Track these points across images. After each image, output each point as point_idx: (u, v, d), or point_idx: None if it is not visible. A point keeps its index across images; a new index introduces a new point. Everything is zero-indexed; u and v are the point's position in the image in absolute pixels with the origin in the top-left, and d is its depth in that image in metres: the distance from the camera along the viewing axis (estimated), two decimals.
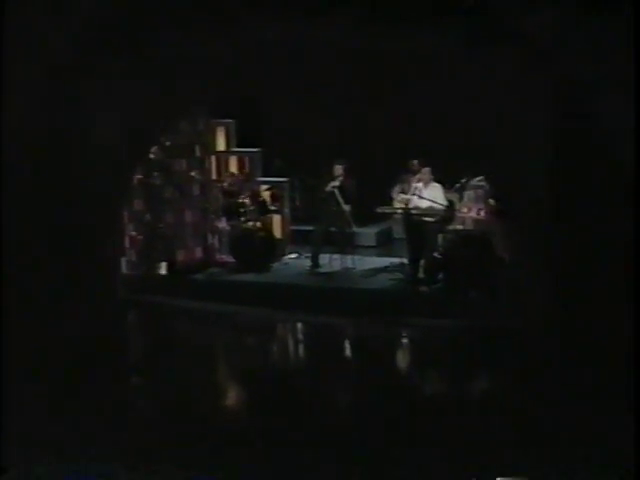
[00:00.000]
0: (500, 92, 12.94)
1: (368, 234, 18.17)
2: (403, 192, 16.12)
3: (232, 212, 17.46)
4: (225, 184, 17.83)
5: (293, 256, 17.72)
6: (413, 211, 15.87)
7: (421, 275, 15.89)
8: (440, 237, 15.89)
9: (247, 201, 17.48)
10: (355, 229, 17.21)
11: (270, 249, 17.28)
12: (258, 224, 17.36)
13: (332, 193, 16.45)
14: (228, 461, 10.53)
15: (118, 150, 14.68)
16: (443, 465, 10.24)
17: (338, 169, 16.48)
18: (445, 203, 15.78)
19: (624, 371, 11.15)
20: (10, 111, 12.40)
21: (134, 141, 15.30)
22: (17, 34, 12.01)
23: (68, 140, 13.56)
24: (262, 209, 17.62)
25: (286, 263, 17.50)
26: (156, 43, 13.04)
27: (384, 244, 18.11)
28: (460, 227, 15.76)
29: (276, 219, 18.00)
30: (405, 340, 14.92)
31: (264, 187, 18.05)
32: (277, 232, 17.91)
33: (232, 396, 13.83)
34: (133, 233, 16.69)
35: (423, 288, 15.76)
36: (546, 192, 12.99)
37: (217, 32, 12.99)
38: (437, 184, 15.78)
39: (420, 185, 15.76)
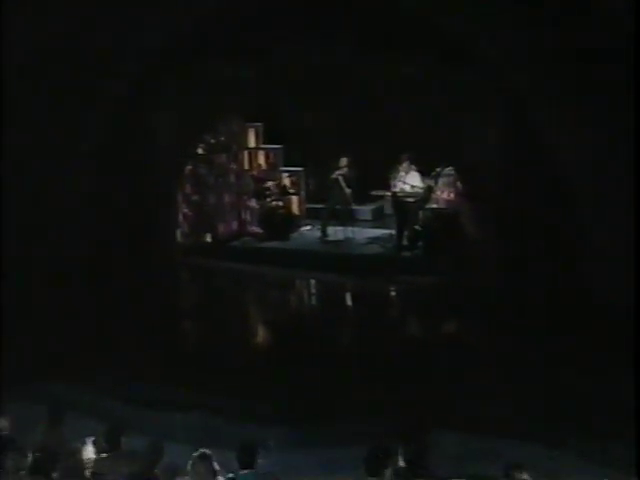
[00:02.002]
0: (464, 105, 13.17)
1: (365, 211, 17.64)
2: (393, 179, 16.05)
3: (260, 194, 17.28)
4: (255, 172, 17.64)
5: (307, 228, 17.43)
6: (399, 193, 15.74)
7: (405, 243, 15.72)
8: (420, 213, 15.70)
9: (272, 186, 17.32)
10: (355, 207, 17.02)
11: (289, 223, 17.13)
12: (280, 203, 17.19)
13: (337, 180, 16.25)
14: (258, 383, 11.00)
15: (174, 147, 15.01)
16: (421, 385, 10.69)
17: (342, 161, 16.25)
18: (422, 186, 15.63)
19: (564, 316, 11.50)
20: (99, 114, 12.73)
21: (186, 140, 15.63)
22: (101, 55, 12.33)
23: (139, 139, 13.89)
24: (283, 192, 17.44)
25: (302, 233, 17.27)
26: (205, 67, 13.33)
27: (377, 219, 17.61)
28: (435, 206, 15.65)
29: (294, 199, 17.71)
30: (392, 293, 14.90)
31: (285, 175, 17.78)
32: (295, 209, 17.67)
33: (260, 335, 14.19)
34: (185, 210, 16.59)
35: (406, 253, 15.66)
36: (500, 179, 13.22)
37: (249, 58, 13.27)
38: (416, 172, 15.62)
39: (403, 173, 15.68)
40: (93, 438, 7.98)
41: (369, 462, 6.50)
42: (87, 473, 7.55)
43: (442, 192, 15.75)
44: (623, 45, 9.93)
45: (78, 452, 7.83)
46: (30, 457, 7.35)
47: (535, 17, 10.97)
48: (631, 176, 10.39)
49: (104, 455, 7.77)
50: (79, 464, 7.61)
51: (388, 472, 6.48)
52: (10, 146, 11.96)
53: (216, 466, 7.16)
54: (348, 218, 16.78)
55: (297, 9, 11.97)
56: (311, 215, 17.72)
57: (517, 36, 11.42)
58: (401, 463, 6.75)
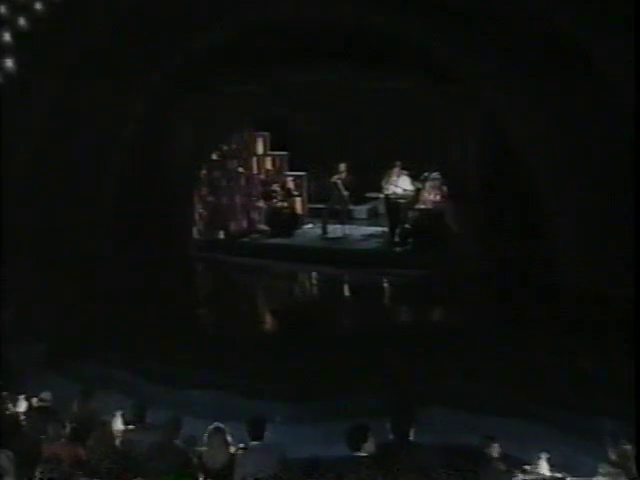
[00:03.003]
0: (448, 119, 13.32)
1: (361, 210, 17.56)
2: (385, 182, 16.06)
3: (267, 196, 17.25)
4: (262, 176, 17.63)
5: (309, 226, 17.32)
6: (391, 195, 15.75)
7: (396, 239, 15.69)
8: (410, 213, 15.67)
9: (278, 188, 17.25)
10: (352, 207, 16.96)
11: (293, 221, 17.04)
12: (285, 204, 17.12)
13: (336, 183, 16.20)
14: (266, 364, 11.06)
15: (192, 154, 15.14)
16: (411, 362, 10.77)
17: (341, 167, 16.21)
18: (411, 189, 15.63)
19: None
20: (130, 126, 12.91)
21: (202, 148, 15.73)
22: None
23: (162, 147, 14.02)
24: (288, 194, 17.35)
25: (304, 231, 17.13)
26: (220, 85, 13.47)
27: (372, 218, 17.50)
28: (423, 206, 15.59)
29: (297, 200, 17.63)
30: (385, 283, 14.82)
31: (289, 178, 17.69)
32: (298, 209, 17.56)
33: (267, 320, 14.18)
34: (201, 210, 16.64)
35: (398, 248, 15.61)
36: (479, 183, 13.41)
37: (259, 77, 13.41)
38: (406, 177, 15.60)
39: (395, 178, 15.64)
40: (122, 412, 8.06)
41: (349, 439, 6.57)
42: (117, 442, 7.65)
43: (429, 194, 15.65)
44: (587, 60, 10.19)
45: (109, 424, 7.94)
46: (68, 427, 7.53)
47: (511, 41, 11.18)
48: (591, 177, 10.73)
49: (131, 427, 7.87)
50: (110, 434, 7.70)
51: (367, 446, 6.55)
52: (50, 148, 12.22)
53: (229, 438, 7.32)
54: (346, 217, 16.72)
55: (301, 35, 12.13)
56: (313, 214, 17.63)
57: (494, 59, 11.62)
58: (390, 436, 6.85)
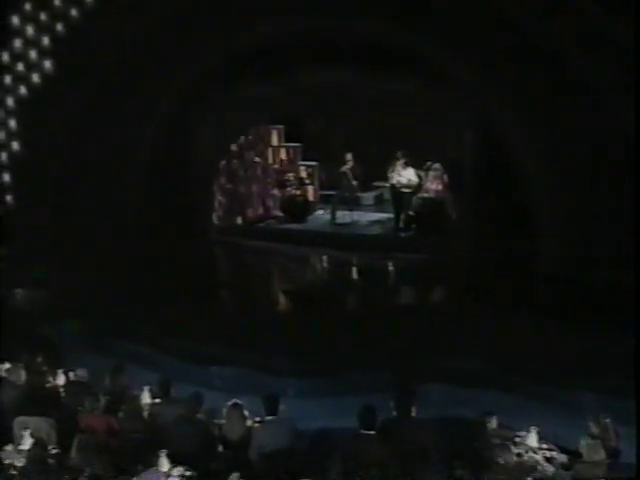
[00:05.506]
0: (449, 116, 13.42)
1: (368, 198, 17.52)
2: (391, 172, 15.96)
3: (281, 184, 17.31)
4: (277, 166, 17.68)
5: (320, 212, 17.29)
6: (396, 184, 15.75)
7: (401, 225, 15.79)
8: (413, 201, 15.67)
9: (291, 177, 17.31)
10: (359, 195, 16.91)
11: (306, 208, 17.07)
12: (298, 192, 17.10)
13: (345, 172, 16.21)
14: (280, 341, 11.16)
15: (213, 146, 15.24)
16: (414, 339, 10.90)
17: (347, 156, 16.20)
18: (416, 179, 15.66)
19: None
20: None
21: (222, 140, 15.81)
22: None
23: (188, 141, 14.18)
24: (301, 182, 17.38)
25: (316, 217, 17.17)
26: (240, 83, 13.60)
27: (378, 205, 17.47)
28: (426, 195, 15.64)
29: (309, 188, 17.60)
30: (390, 267, 14.84)
31: (302, 168, 17.69)
32: (310, 197, 17.53)
33: (281, 299, 14.11)
34: (220, 198, 16.64)
35: (402, 233, 15.71)
36: (477, 174, 13.48)
37: (275, 77, 13.55)
38: (410, 167, 15.63)
39: (400, 168, 15.67)
40: (149, 387, 8.25)
41: (361, 418, 6.75)
42: (145, 414, 7.85)
43: (431, 184, 15.70)
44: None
45: (138, 398, 8.14)
46: (102, 400, 7.73)
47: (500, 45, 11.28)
48: (584, 168, 10.88)
49: (158, 400, 8.05)
50: (139, 407, 7.90)
51: (376, 424, 6.72)
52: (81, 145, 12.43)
53: (246, 412, 7.51)
54: (354, 204, 16.69)
55: (313, 43, 12.28)
56: (324, 201, 17.61)
57: (487, 61, 11.72)
58: (394, 413, 7.01)
